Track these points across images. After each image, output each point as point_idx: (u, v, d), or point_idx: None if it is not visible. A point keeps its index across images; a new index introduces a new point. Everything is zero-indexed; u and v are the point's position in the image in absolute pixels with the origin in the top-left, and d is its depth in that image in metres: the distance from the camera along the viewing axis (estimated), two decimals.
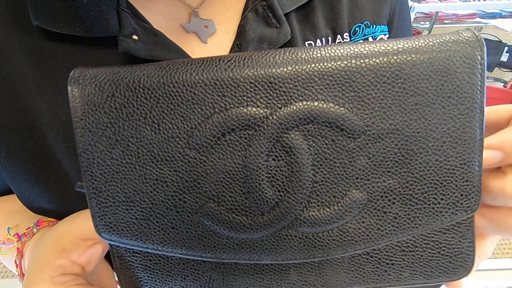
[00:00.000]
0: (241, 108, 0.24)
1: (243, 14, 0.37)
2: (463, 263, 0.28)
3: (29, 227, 0.36)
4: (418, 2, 2.02)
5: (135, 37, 0.32)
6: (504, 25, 2.20)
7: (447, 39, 0.24)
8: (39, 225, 0.37)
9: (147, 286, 0.29)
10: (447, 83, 0.24)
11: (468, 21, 2.26)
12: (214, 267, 0.28)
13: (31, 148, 0.34)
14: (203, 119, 0.24)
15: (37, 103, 0.33)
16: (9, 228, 0.37)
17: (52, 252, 0.29)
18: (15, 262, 0.35)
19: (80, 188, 0.26)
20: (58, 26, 0.32)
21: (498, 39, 2.13)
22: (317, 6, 0.39)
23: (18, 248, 0.35)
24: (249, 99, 0.24)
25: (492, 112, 0.27)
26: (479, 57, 0.23)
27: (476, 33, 0.24)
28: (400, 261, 0.28)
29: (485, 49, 0.24)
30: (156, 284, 0.28)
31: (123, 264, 0.28)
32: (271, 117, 0.24)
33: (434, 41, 0.24)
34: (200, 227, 0.25)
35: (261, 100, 0.24)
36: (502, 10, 2.26)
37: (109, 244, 0.28)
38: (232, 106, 0.24)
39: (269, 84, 0.24)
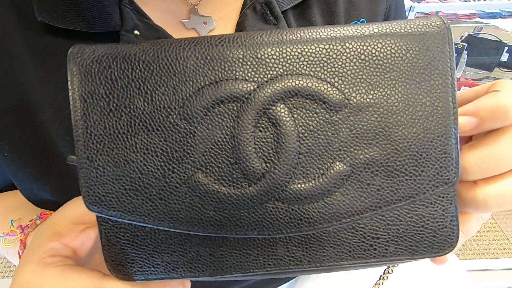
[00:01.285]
0: (231, 81, 0.25)
1: (241, 11, 0.39)
2: (447, 238, 0.28)
3: (32, 219, 0.37)
4: (418, 2, 2.03)
5: (136, 32, 0.33)
6: (504, 25, 2.20)
7: (419, 22, 0.26)
8: (42, 218, 0.37)
9: (133, 263, 0.29)
10: (420, 60, 0.26)
11: (468, 21, 2.26)
12: (201, 242, 0.28)
13: (34, 142, 0.34)
14: (194, 91, 0.25)
15: (40, 98, 0.33)
16: (12, 220, 0.38)
17: (46, 235, 0.30)
18: (18, 253, 0.36)
19: (71, 161, 0.27)
20: (61, 22, 0.33)
21: (498, 39, 2.13)
22: (314, 4, 0.39)
23: (21, 239, 0.36)
24: (237, 73, 0.25)
25: (469, 91, 0.29)
26: (447, 38, 0.26)
27: (443, 19, 0.27)
28: (385, 235, 0.28)
29: (451, 33, 0.26)
30: (143, 261, 0.29)
31: (110, 241, 0.28)
32: (258, 90, 0.25)
33: (407, 24, 0.26)
34: (188, 199, 0.26)
35: (249, 74, 0.25)
36: (502, 10, 2.26)
37: (97, 220, 0.28)
38: (222, 79, 0.25)
39: (257, 60, 0.25)
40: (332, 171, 0.26)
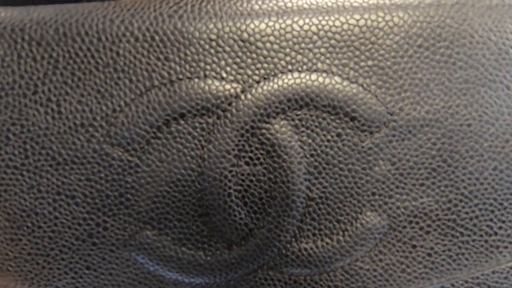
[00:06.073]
0: (196, 80, 0.16)
1: None
2: None
3: None
4: None
5: None
6: None
7: None
8: None
9: None
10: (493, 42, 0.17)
11: None
12: None
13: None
14: (133, 97, 0.16)
15: None
16: None
17: None
18: None
19: None
20: None
21: None
22: None
23: None
24: (209, 67, 0.16)
25: None
26: None
27: None
28: None
29: None
30: None
31: None
32: (243, 97, 0.16)
33: None
34: (132, 268, 0.18)
35: (228, 69, 0.16)
36: None
37: None
38: (181, 77, 0.16)
39: (242, 44, 0.16)
40: (358, 225, 0.18)
